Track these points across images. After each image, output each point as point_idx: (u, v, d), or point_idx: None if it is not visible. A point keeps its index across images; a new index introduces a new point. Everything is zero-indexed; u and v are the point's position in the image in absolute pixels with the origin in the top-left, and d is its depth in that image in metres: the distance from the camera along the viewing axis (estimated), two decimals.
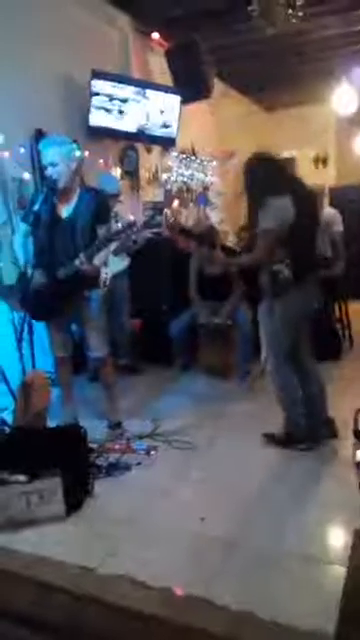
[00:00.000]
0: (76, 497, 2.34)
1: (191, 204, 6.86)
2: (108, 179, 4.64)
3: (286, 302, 2.78)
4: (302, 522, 2.21)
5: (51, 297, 2.94)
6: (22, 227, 3.08)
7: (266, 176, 2.78)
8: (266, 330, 2.98)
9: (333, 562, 1.94)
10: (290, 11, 3.99)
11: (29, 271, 2.92)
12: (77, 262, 2.82)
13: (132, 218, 3.04)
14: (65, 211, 2.95)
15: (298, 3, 3.98)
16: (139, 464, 2.76)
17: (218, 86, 6.58)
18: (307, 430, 2.88)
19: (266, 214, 2.71)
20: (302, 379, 2.91)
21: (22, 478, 2.23)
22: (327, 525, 2.25)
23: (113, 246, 3.19)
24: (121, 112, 5.20)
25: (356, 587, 1.38)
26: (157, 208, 5.74)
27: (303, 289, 2.79)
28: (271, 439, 2.95)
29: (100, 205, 2.98)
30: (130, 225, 2.94)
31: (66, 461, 2.34)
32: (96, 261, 2.89)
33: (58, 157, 2.87)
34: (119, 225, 3.04)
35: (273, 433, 2.95)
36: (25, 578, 1.95)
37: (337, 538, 2.17)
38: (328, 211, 4.97)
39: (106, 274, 3.82)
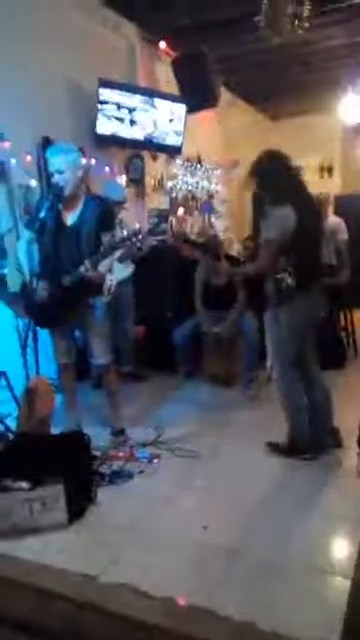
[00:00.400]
0: (79, 505, 2.34)
1: (196, 212, 6.89)
2: (113, 187, 4.66)
3: (291, 310, 2.78)
4: (305, 532, 2.20)
5: (55, 304, 2.94)
6: (26, 234, 3.09)
7: (272, 183, 2.81)
8: (272, 338, 2.99)
9: (337, 573, 1.92)
10: (296, 22, 4.01)
11: (33, 279, 2.93)
12: (82, 269, 2.83)
13: (137, 226, 3.05)
14: (70, 218, 2.97)
15: (304, 14, 4.01)
16: (142, 472, 2.75)
17: (224, 95, 6.62)
18: (311, 439, 2.87)
19: (268, 224, 2.75)
20: (307, 387, 2.91)
21: (25, 485, 2.23)
22: (331, 536, 2.24)
23: (118, 253, 3.19)
24: (128, 120, 5.24)
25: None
26: (162, 215, 5.77)
27: (308, 297, 2.79)
28: (275, 448, 2.94)
29: (105, 212, 2.99)
30: (135, 233, 2.95)
31: (69, 468, 2.33)
32: (101, 268, 2.90)
33: (65, 165, 2.89)
34: (124, 232, 3.05)
35: (277, 442, 2.94)
36: (26, 585, 1.94)
37: (341, 549, 2.16)
38: (333, 219, 4.98)
39: (111, 281, 3.83)
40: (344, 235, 4.91)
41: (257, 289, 3.01)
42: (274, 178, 2.81)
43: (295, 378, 2.87)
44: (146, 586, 1.85)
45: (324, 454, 2.86)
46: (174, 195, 6.40)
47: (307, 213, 2.76)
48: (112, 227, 3.03)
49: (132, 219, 5.06)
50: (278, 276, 2.77)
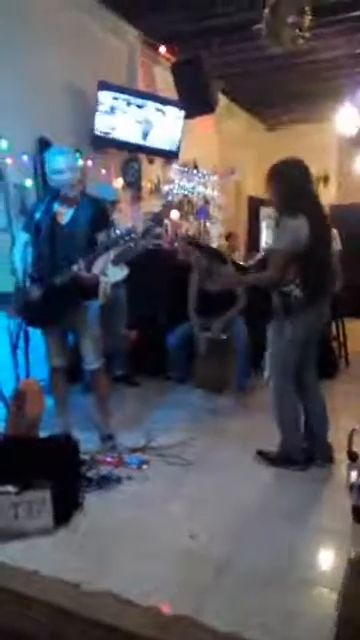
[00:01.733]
0: (65, 510, 2.31)
1: (191, 217, 6.90)
2: (105, 187, 4.62)
3: (297, 323, 2.74)
4: (294, 544, 2.18)
5: (47, 304, 2.92)
6: (22, 236, 3.06)
7: (289, 191, 2.75)
8: (273, 349, 2.90)
9: (325, 586, 1.91)
10: (297, 32, 4.04)
11: (27, 280, 2.90)
12: (75, 268, 2.80)
13: (130, 225, 3.03)
14: (65, 219, 2.95)
15: (305, 25, 4.03)
16: (130, 478, 2.72)
17: (222, 101, 6.65)
18: (304, 451, 2.84)
19: (281, 234, 2.70)
20: (304, 398, 2.88)
21: (11, 489, 2.20)
22: (320, 548, 2.23)
23: (112, 255, 3.16)
24: (125, 123, 5.24)
25: (349, 615, 1.36)
26: (157, 219, 5.76)
27: (315, 310, 2.76)
28: (265, 457, 2.92)
29: (98, 212, 2.99)
30: (129, 231, 2.93)
31: (57, 473, 2.30)
32: (94, 269, 2.88)
33: (65, 165, 2.88)
34: (118, 232, 3.02)
35: (268, 451, 2.92)
36: (8, 590, 1.90)
37: (330, 562, 2.14)
38: None
39: (105, 284, 3.81)
40: (337, 246, 4.93)
41: (264, 299, 2.91)
42: (291, 185, 2.75)
43: (292, 390, 2.83)
44: (130, 594, 1.83)
45: (314, 465, 2.84)
46: (170, 199, 6.40)
47: (320, 226, 2.71)
48: (107, 226, 3.01)
49: (127, 221, 5.06)
50: (286, 289, 2.71)
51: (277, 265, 2.72)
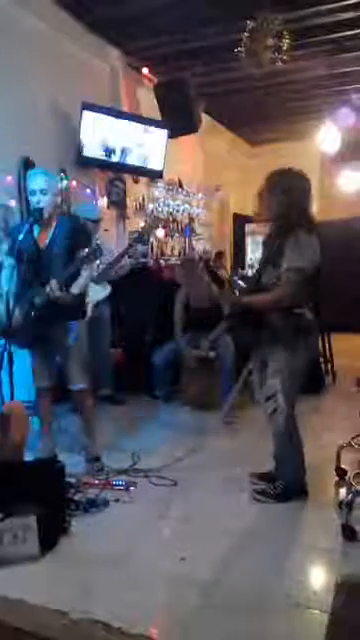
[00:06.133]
0: (51, 535, 2.26)
1: (177, 234, 6.94)
2: (86, 206, 4.62)
3: (307, 346, 2.59)
4: (283, 564, 2.16)
5: (32, 325, 2.89)
6: (9, 260, 3.04)
7: (303, 205, 2.60)
8: (283, 377, 2.57)
9: (315, 607, 1.88)
10: (276, 54, 4.13)
11: (12, 303, 2.87)
12: (47, 289, 2.79)
13: (113, 245, 2.99)
14: (45, 240, 2.94)
15: (284, 47, 4.13)
16: (118, 500, 2.68)
17: (205, 121, 6.74)
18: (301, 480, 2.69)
19: (297, 250, 2.48)
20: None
21: None
22: (309, 568, 2.20)
23: (85, 274, 3.04)
24: (110, 144, 5.28)
25: (339, 639, 1.34)
26: (141, 239, 5.77)
27: (318, 333, 2.70)
28: (265, 495, 2.67)
29: (75, 229, 2.96)
30: (104, 250, 2.87)
31: (42, 497, 2.26)
32: (73, 289, 2.85)
33: (46, 185, 2.88)
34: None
35: (262, 488, 2.71)
36: None
37: (320, 582, 2.11)
38: None
39: (87, 303, 3.79)
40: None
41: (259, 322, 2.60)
42: (303, 199, 2.60)
43: (294, 419, 2.65)
44: (119, 622, 1.79)
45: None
46: (153, 216, 6.44)
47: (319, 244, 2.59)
48: (85, 244, 2.91)
49: (112, 241, 5.07)
50: (298, 311, 2.52)
51: (295, 284, 2.47)
